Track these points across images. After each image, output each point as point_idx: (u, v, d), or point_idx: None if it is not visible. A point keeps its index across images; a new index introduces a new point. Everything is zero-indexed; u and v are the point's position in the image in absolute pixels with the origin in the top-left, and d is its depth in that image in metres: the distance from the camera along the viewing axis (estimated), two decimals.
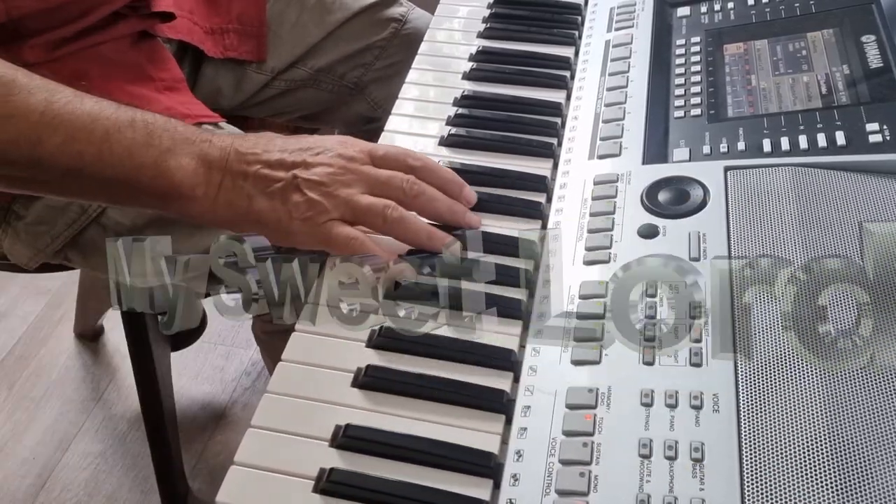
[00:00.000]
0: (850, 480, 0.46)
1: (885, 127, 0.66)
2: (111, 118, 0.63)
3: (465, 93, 0.84)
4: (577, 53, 0.90)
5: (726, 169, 0.67)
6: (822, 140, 0.67)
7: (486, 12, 0.96)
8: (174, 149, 0.63)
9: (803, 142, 0.67)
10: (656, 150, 0.71)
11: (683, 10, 0.88)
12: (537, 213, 0.71)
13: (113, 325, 1.53)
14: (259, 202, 0.64)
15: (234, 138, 0.66)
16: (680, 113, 0.75)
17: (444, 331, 0.61)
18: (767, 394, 0.51)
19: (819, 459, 0.47)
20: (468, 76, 0.87)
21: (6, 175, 0.64)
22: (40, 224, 0.85)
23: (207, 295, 1.13)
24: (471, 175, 0.74)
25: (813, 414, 0.49)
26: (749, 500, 0.47)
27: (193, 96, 0.91)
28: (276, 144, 0.66)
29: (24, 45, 0.79)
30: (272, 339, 0.96)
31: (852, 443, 0.47)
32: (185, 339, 1.17)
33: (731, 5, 0.85)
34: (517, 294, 0.64)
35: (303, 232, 0.64)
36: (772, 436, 0.49)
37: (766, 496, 0.46)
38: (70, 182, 0.64)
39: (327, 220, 0.63)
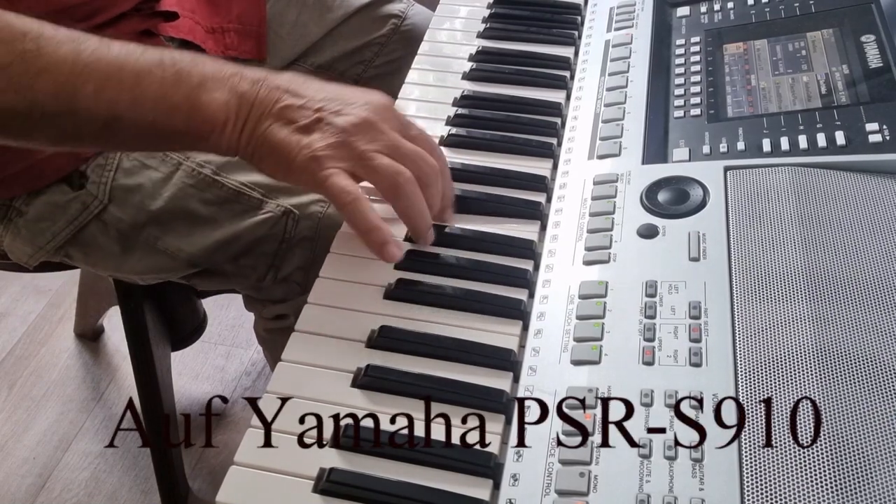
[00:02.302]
0: (849, 480, 0.46)
1: (884, 127, 0.66)
2: (139, 62, 0.63)
3: (465, 93, 0.84)
4: (576, 53, 0.90)
5: (726, 169, 0.67)
6: (821, 140, 0.67)
7: (486, 12, 0.96)
8: (205, 84, 0.63)
9: (803, 142, 0.67)
10: (656, 150, 0.71)
11: (683, 10, 0.88)
12: (537, 213, 0.71)
13: (113, 325, 1.54)
14: (275, 131, 0.63)
15: (267, 72, 0.66)
16: (680, 113, 0.75)
17: (444, 331, 0.61)
18: (767, 393, 0.51)
19: (818, 459, 0.47)
20: (468, 76, 0.87)
21: (55, 127, 0.63)
22: (41, 221, 0.85)
23: (207, 294, 1.13)
24: (471, 175, 0.74)
25: (812, 413, 0.49)
26: (748, 499, 0.47)
27: None
28: (313, 85, 0.66)
29: None
30: (274, 336, 0.96)
31: (852, 442, 0.47)
32: (185, 339, 1.17)
33: (730, 5, 0.85)
34: (517, 294, 0.64)
35: (307, 170, 0.63)
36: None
37: (766, 496, 0.46)
38: (113, 129, 0.64)
39: (333, 167, 0.62)
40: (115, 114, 0.62)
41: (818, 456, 0.47)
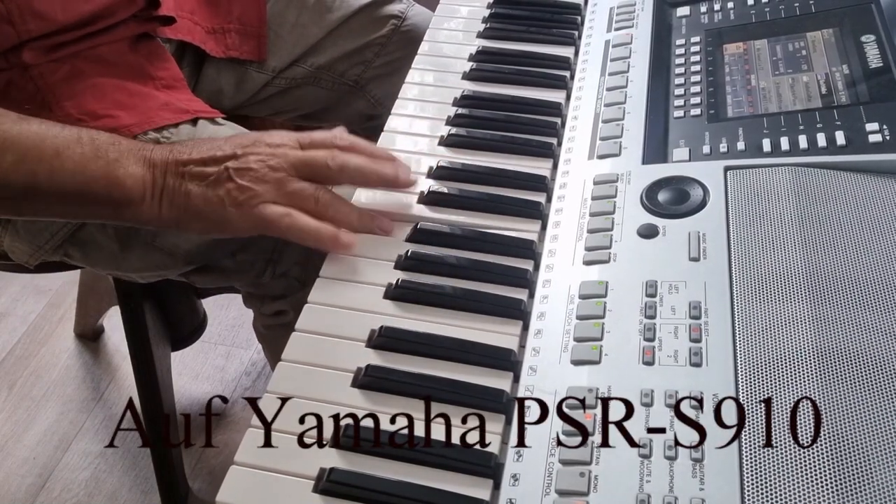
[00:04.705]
0: (849, 480, 0.46)
1: (884, 127, 0.66)
2: (59, 136, 0.67)
3: (465, 93, 0.84)
4: (576, 53, 0.90)
5: (726, 169, 0.67)
6: (821, 140, 0.67)
7: (486, 12, 0.96)
8: (121, 159, 0.67)
9: (803, 142, 0.67)
10: (656, 149, 0.71)
11: (683, 10, 0.88)
12: (537, 212, 0.71)
13: (113, 325, 1.53)
14: (195, 196, 0.67)
15: (173, 146, 0.70)
16: (680, 113, 0.75)
17: (445, 330, 0.61)
18: (767, 393, 0.51)
19: (818, 459, 0.47)
20: (468, 76, 0.87)
21: None
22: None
23: (207, 294, 1.13)
24: (471, 175, 0.74)
25: (812, 413, 0.49)
26: (749, 499, 0.47)
27: (192, 94, 0.91)
28: (209, 144, 0.70)
29: (23, 47, 0.79)
30: (273, 333, 0.96)
31: (852, 442, 0.47)
32: (185, 338, 1.17)
33: (730, 5, 0.85)
34: (517, 294, 0.64)
35: (238, 217, 0.67)
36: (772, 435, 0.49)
37: (766, 496, 0.46)
38: (29, 199, 0.68)
39: (259, 203, 0.66)
40: (34, 183, 0.66)
41: (818, 456, 0.47)
